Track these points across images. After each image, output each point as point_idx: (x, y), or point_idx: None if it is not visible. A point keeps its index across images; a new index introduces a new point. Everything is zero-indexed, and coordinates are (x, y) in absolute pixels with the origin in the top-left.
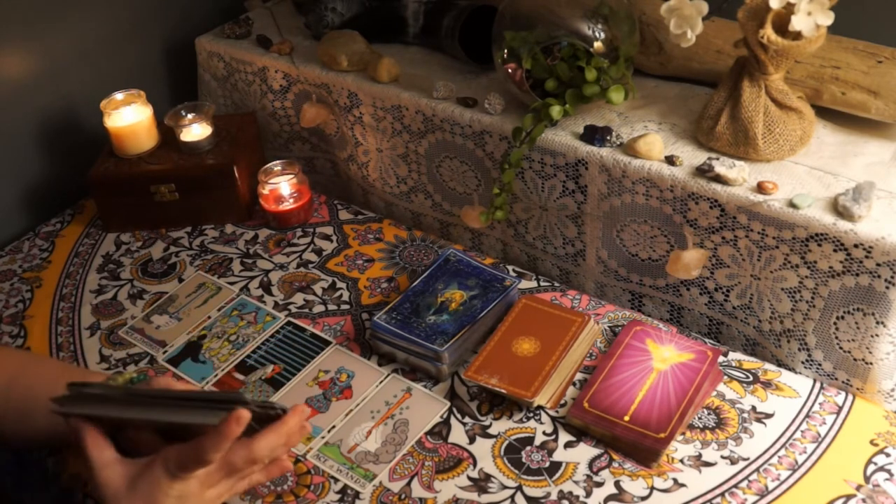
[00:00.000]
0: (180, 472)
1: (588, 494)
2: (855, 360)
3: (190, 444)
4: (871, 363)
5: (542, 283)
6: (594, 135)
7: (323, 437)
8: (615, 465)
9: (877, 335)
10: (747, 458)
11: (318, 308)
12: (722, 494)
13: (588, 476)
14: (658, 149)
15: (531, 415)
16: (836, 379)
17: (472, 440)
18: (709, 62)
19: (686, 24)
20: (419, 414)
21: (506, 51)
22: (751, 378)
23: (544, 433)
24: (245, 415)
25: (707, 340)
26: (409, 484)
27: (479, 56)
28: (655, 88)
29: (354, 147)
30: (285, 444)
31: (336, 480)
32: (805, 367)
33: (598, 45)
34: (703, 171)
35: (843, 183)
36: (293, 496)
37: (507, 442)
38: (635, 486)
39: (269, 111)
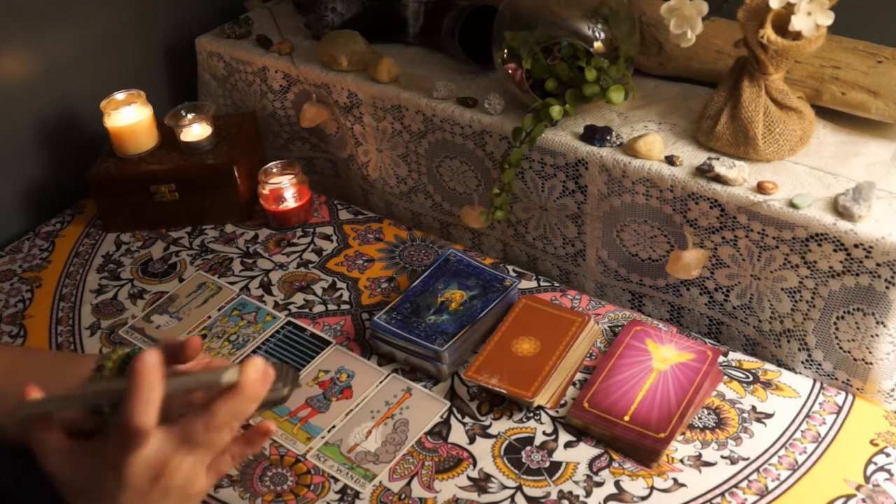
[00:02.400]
0: (120, 456)
1: (588, 494)
2: (855, 360)
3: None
4: (871, 363)
5: (542, 283)
6: (594, 135)
7: (323, 437)
8: (615, 465)
9: (877, 335)
10: (747, 458)
11: (318, 308)
12: (722, 494)
13: (588, 476)
14: (658, 149)
15: (531, 415)
16: (836, 379)
17: (472, 440)
18: (709, 62)
19: (686, 24)
20: (419, 414)
21: (506, 51)
22: (751, 378)
23: (544, 433)
24: (148, 357)
25: (707, 340)
26: (409, 484)
27: (479, 56)
28: (655, 88)
29: (354, 147)
30: (249, 398)
31: (336, 480)
32: (805, 367)
33: (598, 45)
34: (703, 171)
35: (843, 183)
36: (293, 496)
37: (507, 442)
38: (635, 486)
39: (269, 111)
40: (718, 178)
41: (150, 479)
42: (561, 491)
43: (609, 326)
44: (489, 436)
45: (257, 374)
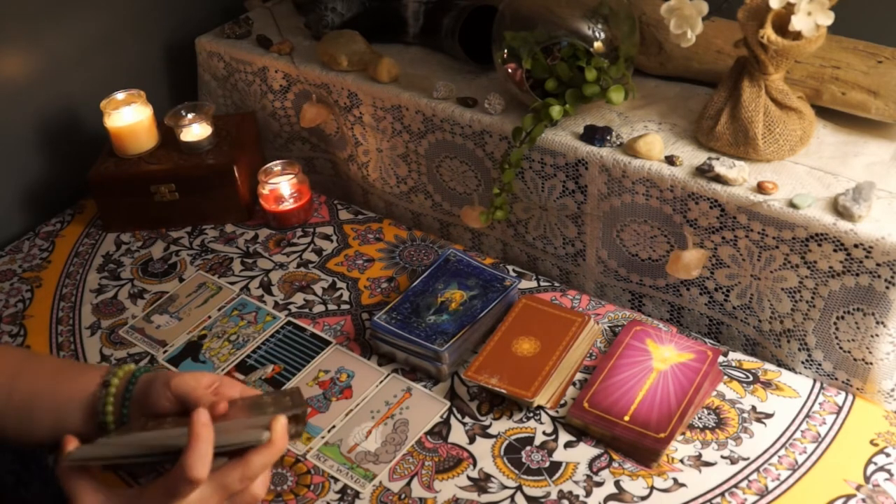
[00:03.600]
0: (171, 499)
1: (588, 494)
2: (855, 360)
3: (176, 467)
4: (871, 363)
5: (542, 283)
6: (594, 135)
7: (323, 437)
8: (615, 465)
9: (877, 335)
10: (747, 458)
11: (318, 308)
12: (722, 494)
13: (588, 476)
14: (658, 149)
15: (531, 415)
16: (836, 379)
17: (472, 440)
18: (709, 62)
19: (686, 24)
20: (419, 414)
21: (506, 51)
22: (751, 378)
23: (544, 433)
24: (203, 415)
25: (707, 340)
26: (408, 484)
27: (479, 56)
28: (655, 88)
29: (354, 147)
30: (280, 450)
31: (336, 480)
32: (805, 367)
33: (598, 45)
34: (703, 171)
35: (843, 183)
36: (293, 496)
37: (507, 442)
38: (635, 486)
39: (269, 111)
40: (718, 178)
41: None
42: (561, 491)
43: (609, 326)
44: (489, 436)
45: (284, 427)
